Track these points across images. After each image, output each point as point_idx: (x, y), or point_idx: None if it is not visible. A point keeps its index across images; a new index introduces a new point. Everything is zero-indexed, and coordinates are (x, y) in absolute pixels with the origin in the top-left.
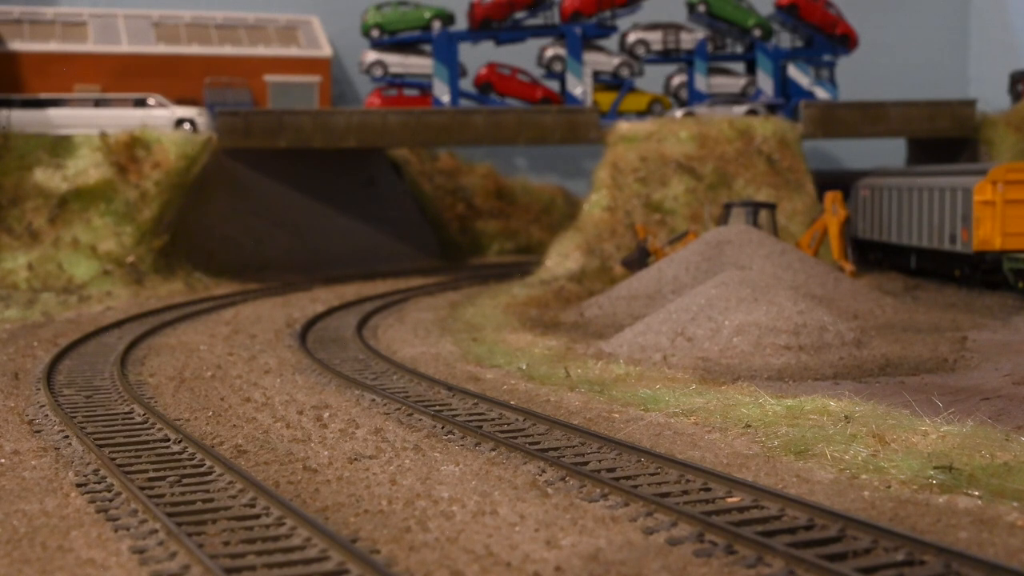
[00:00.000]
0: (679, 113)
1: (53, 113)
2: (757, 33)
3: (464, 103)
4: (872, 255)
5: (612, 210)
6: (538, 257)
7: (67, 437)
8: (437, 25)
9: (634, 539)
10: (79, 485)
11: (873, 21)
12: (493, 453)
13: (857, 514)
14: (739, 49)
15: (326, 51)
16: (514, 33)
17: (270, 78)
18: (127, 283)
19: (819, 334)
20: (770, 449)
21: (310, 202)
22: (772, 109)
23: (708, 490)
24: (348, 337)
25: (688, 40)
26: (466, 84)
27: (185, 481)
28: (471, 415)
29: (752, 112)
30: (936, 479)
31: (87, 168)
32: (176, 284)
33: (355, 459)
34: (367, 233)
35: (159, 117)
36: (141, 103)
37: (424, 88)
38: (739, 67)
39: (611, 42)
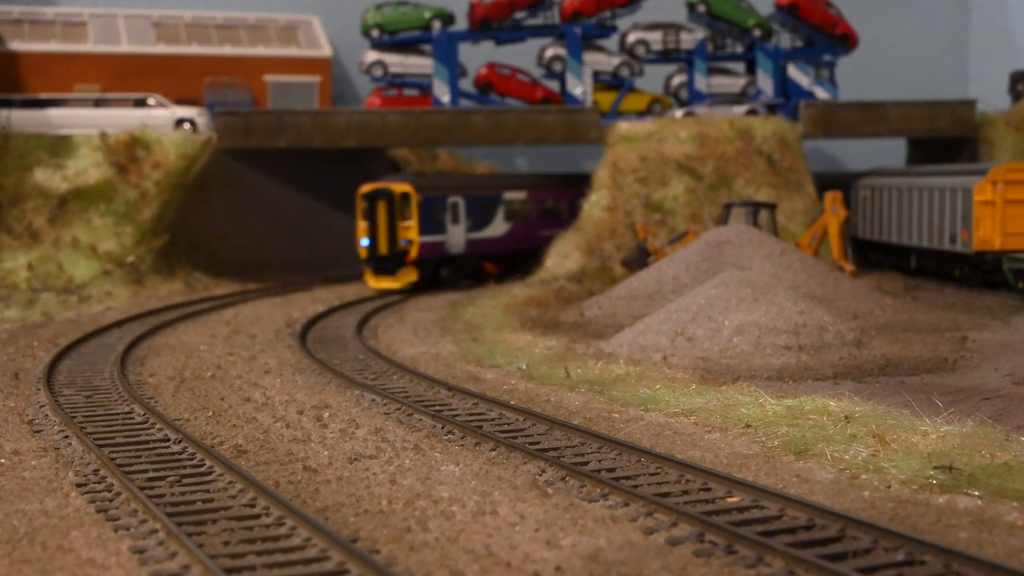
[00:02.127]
0: (679, 113)
1: (53, 113)
2: (757, 33)
3: (464, 103)
4: (872, 255)
5: (612, 210)
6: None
7: (67, 437)
8: (437, 25)
9: (634, 539)
10: (79, 485)
11: (873, 21)
12: (493, 453)
13: (857, 514)
14: (739, 49)
15: (326, 51)
16: (514, 33)
17: (270, 78)
18: (127, 283)
19: (819, 334)
20: (770, 449)
21: (310, 202)
22: (772, 109)
23: (708, 490)
24: (348, 337)
25: (688, 40)
26: (466, 84)
27: (185, 481)
28: (471, 415)
29: (752, 112)
30: (936, 479)
31: (87, 168)
32: (176, 284)
33: (355, 459)
34: None
35: (159, 117)
36: (141, 103)
37: (424, 88)
38: (739, 67)
39: (611, 42)
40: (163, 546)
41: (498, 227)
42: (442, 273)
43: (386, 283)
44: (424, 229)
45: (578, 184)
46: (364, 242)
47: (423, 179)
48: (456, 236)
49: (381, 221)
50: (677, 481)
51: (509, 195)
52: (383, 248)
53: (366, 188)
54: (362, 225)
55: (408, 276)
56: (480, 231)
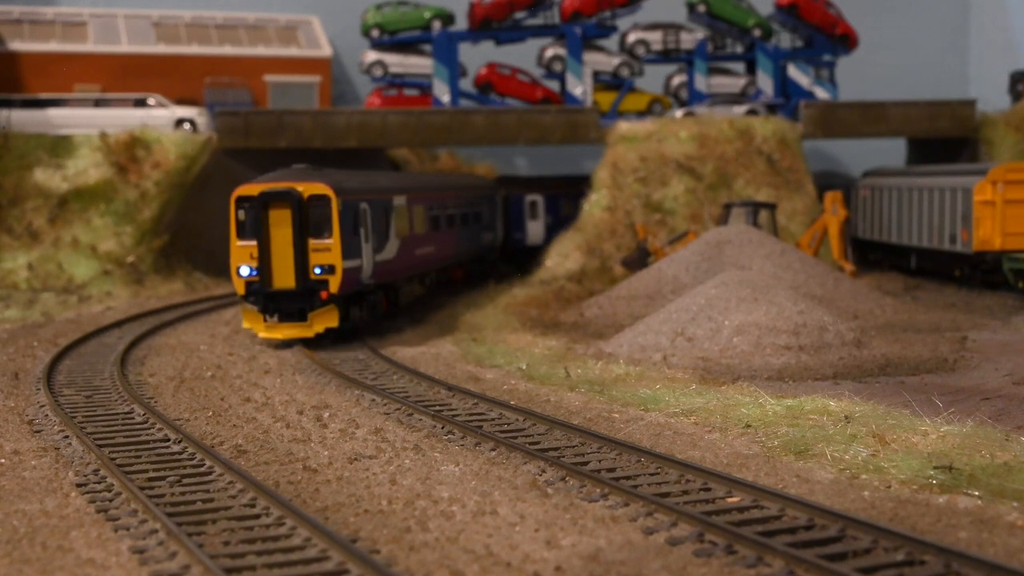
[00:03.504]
0: (679, 113)
1: (53, 113)
2: (757, 33)
3: (464, 103)
4: (872, 255)
5: (612, 210)
6: (538, 257)
7: (67, 437)
8: (437, 25)
9: (634, 539)
10: (79, 485)
11: (873, 21)
12: (493, 453)
13: (857, 514)
14: (739, 49)
15: (326, 51)
16: (514, 33)
17: (270, 78)
18: (127, 283)
19: (819, 334)
20: (770, 449)
21: None
22: (772, 109)
23: (708, 490)
24: (348, 337)
25: (688, 40)
26: (466, 84)
27: (185, 481)
28: (471, 415)
29: (752, 112)
30: (936, 479)
31: (87, 168)
32: (176, 284)
33: (355, 459)
34: None
35: (159, 117)
36: (141, 103)
37: (424, 88)
38: (739, 67)
39: (611, 42)
40: (163, 546)
41: (392, 246)
42: (353, 313)
43: (289, 331)
44: (347, 250)
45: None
46: (245, 271)
47: (339, 177)
48: (367, 259)
49: (279, 239)
50: (677, 481)
51: (398, 200)
52: (284, 279)
53: (249, 189)
54: (241, 246)
55: (326, 319)
56: (381, 251)
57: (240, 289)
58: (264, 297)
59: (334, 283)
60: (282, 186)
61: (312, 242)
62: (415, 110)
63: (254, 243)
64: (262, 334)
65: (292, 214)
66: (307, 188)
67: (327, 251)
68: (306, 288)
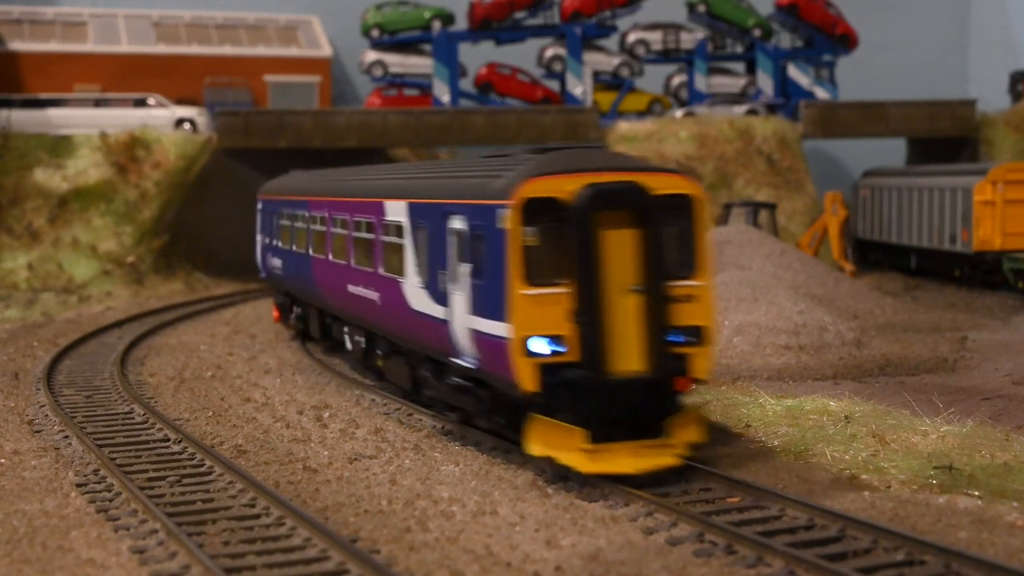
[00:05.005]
0: (679, 113)
1: (53, 113)
2: (757, 33)
3: (464, 103)
4: (872, 255)
5: None
6: None
7: (67, 437)
8: (437, 25)
9: (634, 539)
10: (79, 485)
11: (873, 21)
12: (493, 453)
13: (857, 514)
14: (739, 49)
15: (326, 51)
16: (514, 33)
17: (270, 78)
18: (127, 283)
19: (819, 334)
20: (770, 449)
21: None
22: (772, 109)
23: (708, 490)
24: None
25: (688, 40)
26: (466, 84)
27: (185, 481)
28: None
29: (752, 112)
30: (936, 479)
31: (87, 168)
32: (176, 284)
33: (355, 459)
34: None
35: (159, 117)
36: (141, 103)
37: (424, 88)
38: (739, 67)
39: (611, 42)
40: (163, 546)
41: None
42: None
43: (640, 457)
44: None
45: None
46: (543, 346)
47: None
48: None
49: (616, 279)
50: (677, 481)
51: None
52: (626, 358)
53: (549, 186)
54: (536, 296)
55: (689, 430)
56: None
57: (529, 381)
58: (591, 394)
59: (702, 362)
60: (619, 179)
61: (671, 288)
62: (415, 110)
63: (565, 290)
64: (586, 468)
65: (643, 234)
66: (656, 182)
67: (693, 301)
68: (664, 372)
